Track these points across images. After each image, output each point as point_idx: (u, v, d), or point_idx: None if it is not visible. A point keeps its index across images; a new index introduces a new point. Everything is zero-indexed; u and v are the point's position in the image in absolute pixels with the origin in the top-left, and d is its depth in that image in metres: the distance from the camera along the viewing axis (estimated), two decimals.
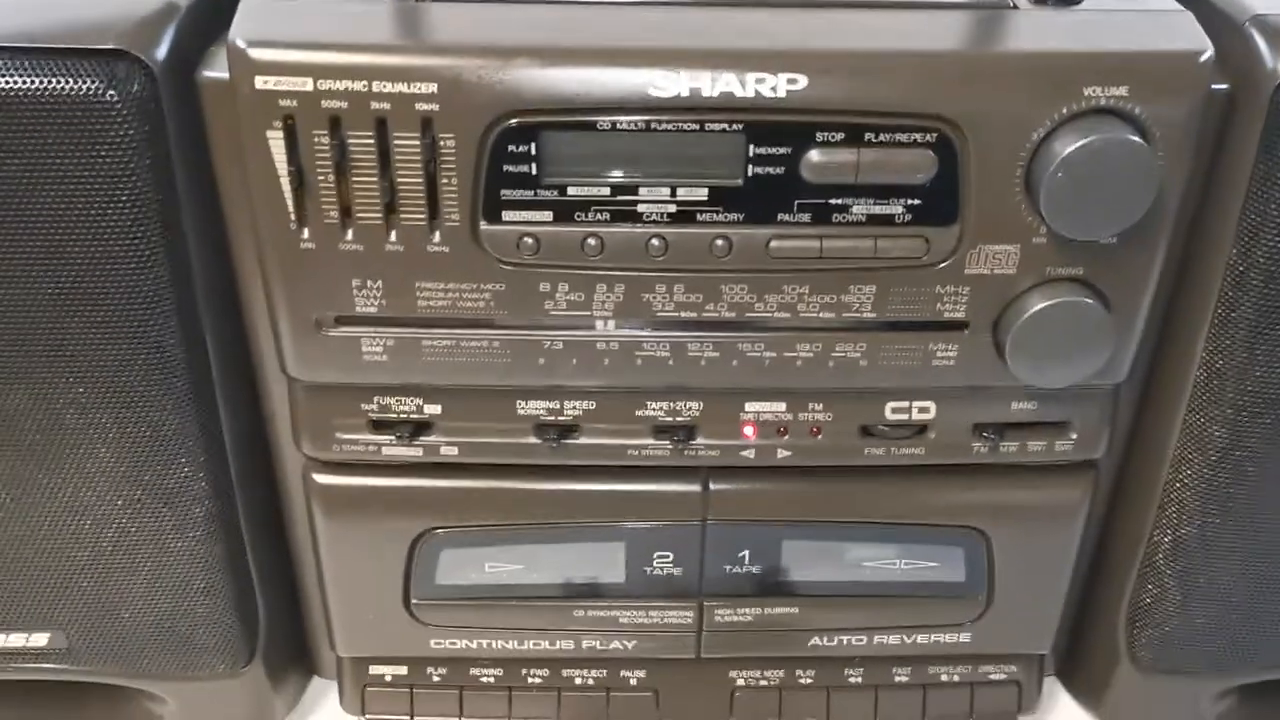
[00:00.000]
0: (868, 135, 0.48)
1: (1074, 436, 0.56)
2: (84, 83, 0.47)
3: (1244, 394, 0.54)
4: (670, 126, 0.48)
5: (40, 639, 0.61)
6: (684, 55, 0.47)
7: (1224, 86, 0.50)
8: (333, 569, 0.60)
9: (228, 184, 0.51)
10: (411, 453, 0.56)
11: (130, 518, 0.57)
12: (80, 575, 0.58)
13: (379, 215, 0.49)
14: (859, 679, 0.65)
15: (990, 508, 0.59)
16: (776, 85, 0.46)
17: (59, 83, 0.47)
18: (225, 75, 0.48)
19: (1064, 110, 0.47)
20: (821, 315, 0.52)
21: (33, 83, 0.47)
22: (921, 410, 0.55)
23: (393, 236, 0.49)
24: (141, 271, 0.51)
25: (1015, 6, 0.50)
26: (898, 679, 0.65)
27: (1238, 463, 0.56)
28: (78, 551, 0.58)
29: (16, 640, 0.61)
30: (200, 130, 0.50)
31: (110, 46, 0.47)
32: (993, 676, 0.65)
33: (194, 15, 0.50)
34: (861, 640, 0.63)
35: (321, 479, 0.58)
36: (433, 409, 0.55)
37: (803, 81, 0.46)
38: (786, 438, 0.56)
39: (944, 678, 0.65)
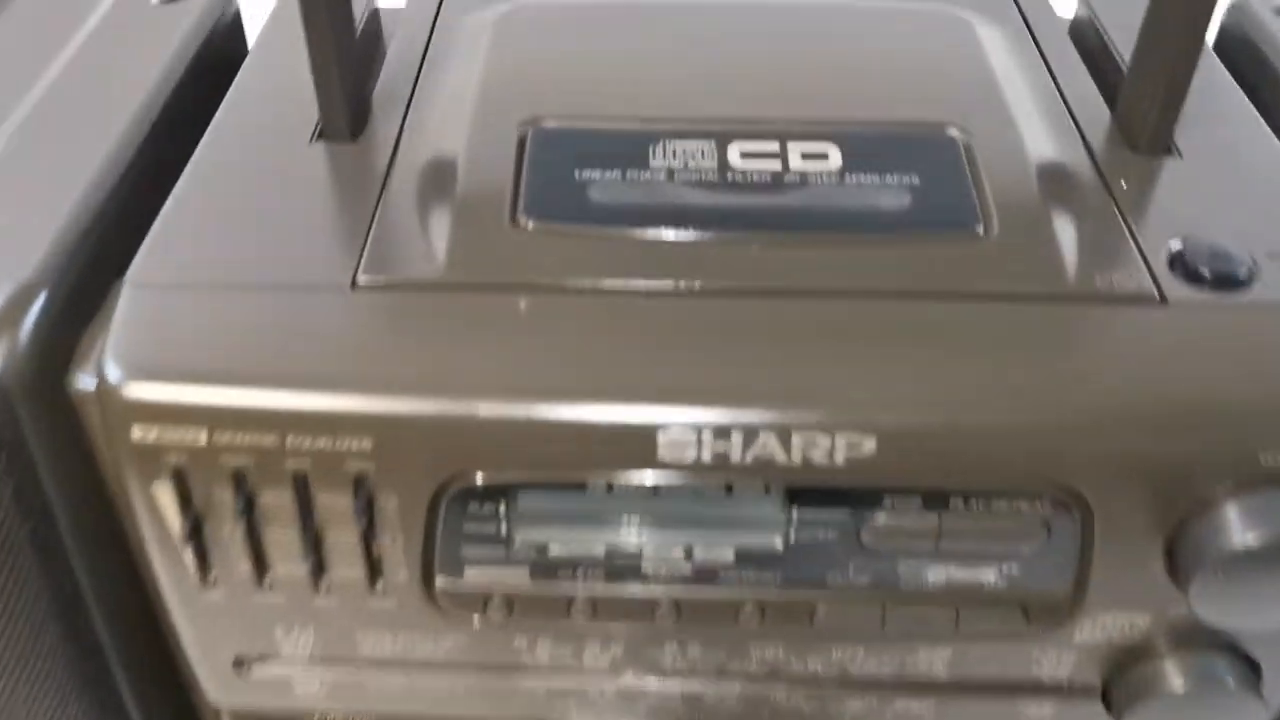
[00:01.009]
0: (954, 502, 0.35)
1: None
2: None
3: None
4: (686, 491, 0.35)
5: None
6: (704, 400, 0.34)
7: None
8: None
9: (123, 507, 0.39)
10: None
11: None
12: None
13: (302, 569, 0.37)
14: None
15: None
16: (834, 451, 0.34)
17: None
18: (89, 391, 0.35)
19: (1229, 482, 0.34)
20: (881, 673, 0.40)
21: None
22: None
23: (322, 591, 0.38)
24: (20, 603, 0.39)
25: (1162, 297, 0.36)
26: None
27: None
28: None
29: None
30: (78, 439, 0.38)
31: None
32: None
33: (59, 297, 0.37)
34: None
35: None
36: None
37: (869, 446, 0.34)
38: None
39: None
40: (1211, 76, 0.47)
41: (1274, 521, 0.34)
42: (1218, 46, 0.53)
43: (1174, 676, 0.38)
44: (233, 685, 0.42)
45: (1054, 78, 0.47)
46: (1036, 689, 0.40)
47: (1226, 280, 0.37)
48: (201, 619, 0.39)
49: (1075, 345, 0.36)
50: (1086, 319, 0.36)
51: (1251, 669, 0.39)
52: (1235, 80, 0.49)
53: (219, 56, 0.50)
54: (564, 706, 0.42)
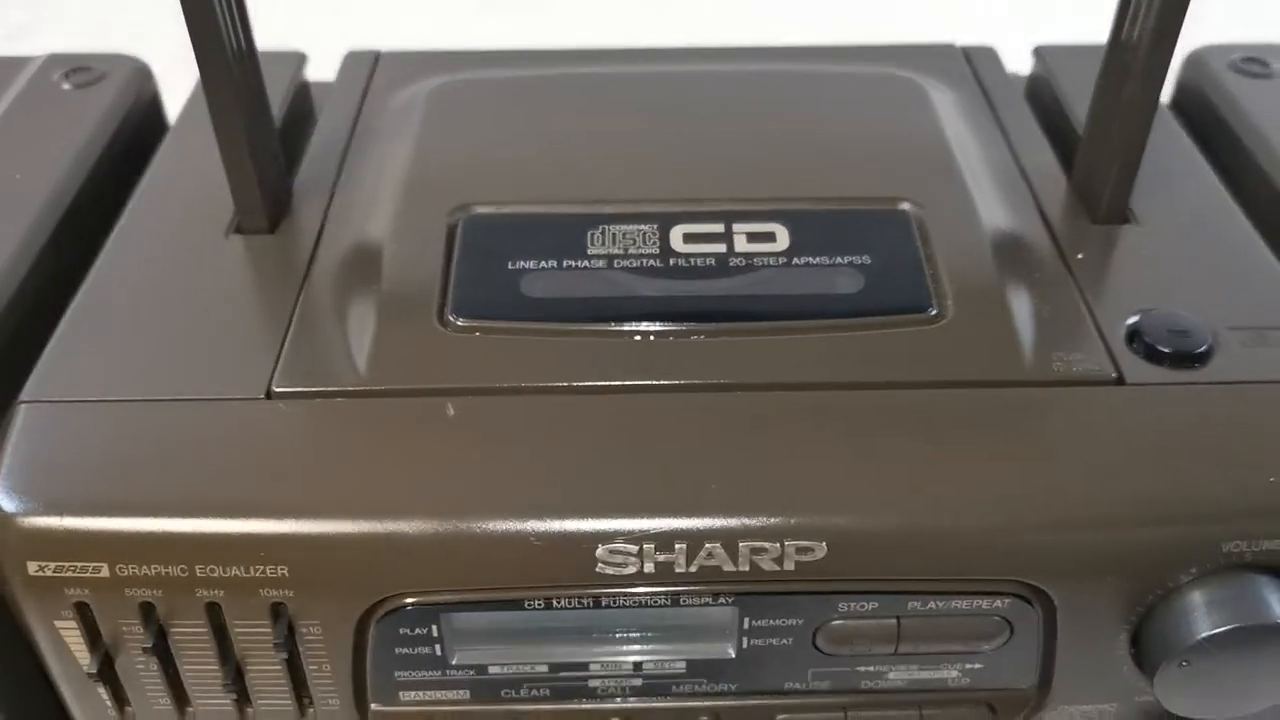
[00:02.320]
0: (912, 604, 0.33)
1: None
2: None
3: None
4: (630, 602, 0.33)
5: None
6: (644, 512, 0.32)
7: None
8: None
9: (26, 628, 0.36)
10: None
11: None
12: None
13: (227, 702, 0.35)
14: None
15: None
16: (783, 558, 0.32)
17: None
18: None
19: (1192, 570, 0.32)
20: None
21: None
22: None
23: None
24: None
25: (1120, 378, 0.35)
26: None
27: None
28: None
29: None
30: None
31: None
32: None
33: None
34: None
35: None
36: None
37: (821, 551, 0.32)
38: None
39: None
40: (1169, 138, 0.46)
41: (1238, 610, 0.32)
42: (1175, 103, 0.52)
43: None
44: None
45: (1009, 144, 0.46)
46: None
47: (1185, 358, 0.36)
48: None
49: (1032, 434, 0.34)
50: (1043, 405, 0.35)
51: None
52: (1192, 136, 0.47)
53: (134, 143, 0.48)
54: None
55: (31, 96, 0.49)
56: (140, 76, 0.51)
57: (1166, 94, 0.47)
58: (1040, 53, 0.51)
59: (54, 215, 0.42)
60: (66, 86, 0.49)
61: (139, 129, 0.49)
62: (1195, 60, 0.52)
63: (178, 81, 0.50)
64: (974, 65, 0.50)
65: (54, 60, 0.51)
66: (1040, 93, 0.50)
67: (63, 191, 0.44)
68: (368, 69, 0.50)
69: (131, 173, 0.45)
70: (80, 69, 0.50)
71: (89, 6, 0.59)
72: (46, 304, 0.39)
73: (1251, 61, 0.51)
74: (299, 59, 0.49)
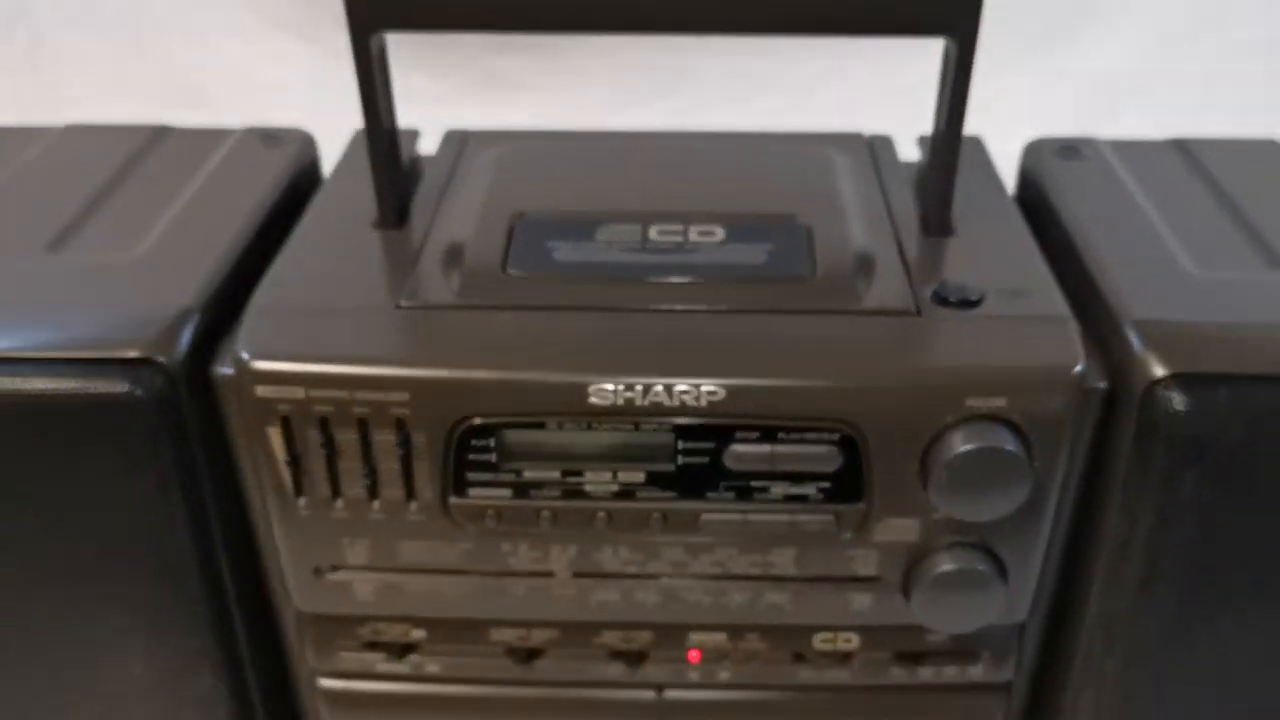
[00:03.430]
0: (780, 435, 0.55)
1: (983, 663, 0.63)
2: (115, 385, 0.55)
3: (1138, 637, 0.61)
4: (609, 427, 0.55)
5: None
6: (619, 368, 0.54)
7: (1103, 385, 0.56)
8: None
9: (243, 455, 0.59)
10: (400, 669, 0.64)
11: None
12: None
13: (363, 491, 0.57)
14: None
15: None
16: (699, 396, 0.54)
17: (94, 385, 0.55)
18: (230, 373, 0.56)
19: (949, 419, 0.54)
20: (750, 570, 0.59)
21: (75, 385, 0.55)
22: (845, 641, 0.63)
23: (375, 507, 0.57)
24: (167, 531, 0.59)
25: (919, 312, 0.57)
26: None
27: (1135, 692, 0.62)
28: None
29: None
30: (217, 413, 0.58)
31: (134, 355, 0.56)
32: None
33: (207, 318, 0.58)
34: None
35: (325, 683, 0.66)
36: (418, 634, 0.63)
37: (721, 393, 0.54)
38: (727, 662, 0.63)
39: None
40: (986, 183, 0.69)
41: (975, 438, 0.54)
42: (1020, 192, 0.75)
43: (938, 563, 0.58)
44: (312, 591, 0.61)
45: (884, 193, 0.69)
46: (856, 581, 0.59)
47: (963, 303, 0.58)
48: (293, 535, 0.59)
49: (859, 336, 0.56)
50: (868, 322, 0.57)
51: (999, 565, 0.58)
52: (1024, 197, 0.70)
53: (303, 183, 0.73)
54: (539, 604, 0.61)
55: (239, 152, 0.73)
56: (308, 143, 0.75)
57: (1012, 186, 0.71)
58: (921, 141, 0.75)
59: (260, 215, 0.66)
60: (261, 148, 0.74)
61: (307, 174, 0.74)
62: (1032, 149, 0.75)
63: (330, 150, 0.75)
64: (873, 146, 0.74)
65: (252, 131, 0.76)
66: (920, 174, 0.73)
67: (260, 205, 0.68)
68: (461, 141, 0.74)
69: (302, 200, 0.69)
70: (270, 136, 0.75)
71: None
72: (256, 261, 0.63)
73: (1066, 149, 0.74)
74: (415, 133, 0.74)
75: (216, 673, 0.64)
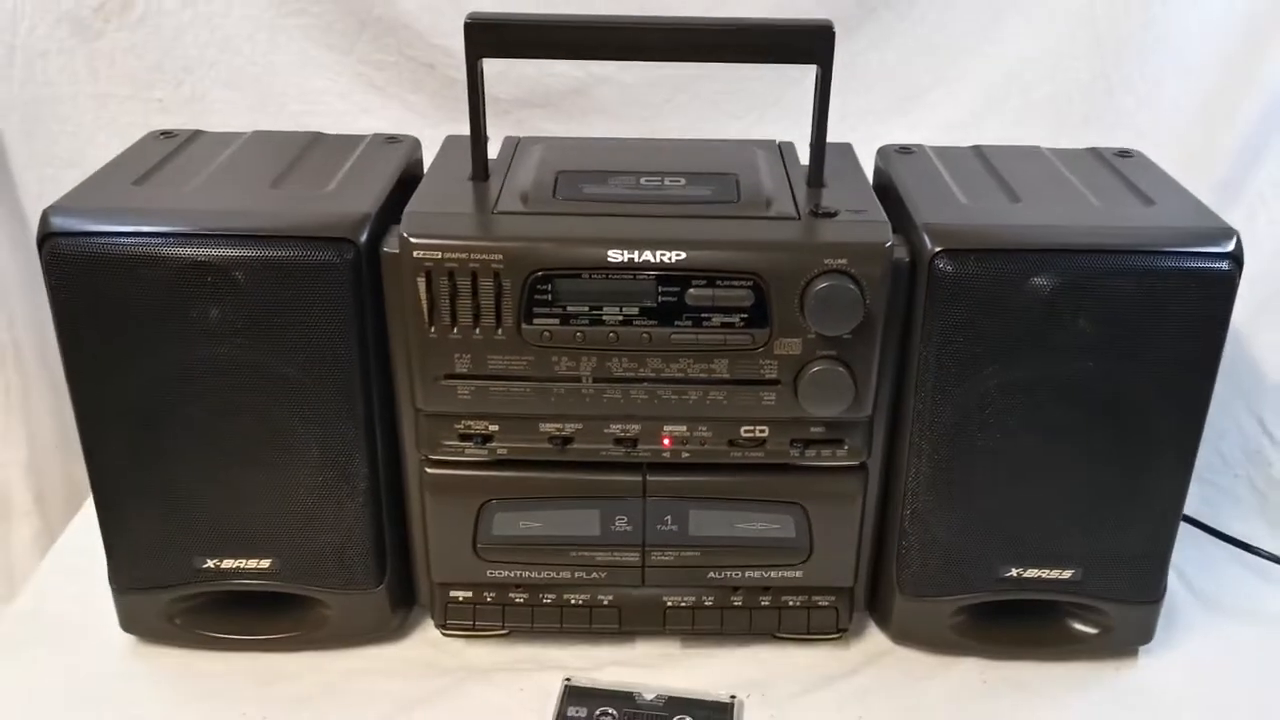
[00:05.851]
0: (719, 282, 0.94)
1: (846, 449, 1.01)
2: (323, 254, 0.93)
3: (938, 426, 0.99)
4: (618, 276, 0.94)
5: (264, 562, 0.91)
6: (624, 243, 0.93)
7: (908, 259, 0.96)
8: (432, 526, 0.93)
9: (393, 303, 0.97)
10: (481, 454, 1.01)
11: (324, 487, 0.89)
12: (291, 522, 0.88)
13: (470, 321, 0.96)
14: (739, 602, 1.03)
15: (806, 492, 0.99)
16: (670, 258, 0.93)
17: (311, 254, 0.92)
18: (395, 250, 0.95)
19: (815, 271, 0.93)
20: (699, 375, 0.97)
21: (296, 254, 0.92)
22: (761, 430, 1.00)
23: (476, 333, 0.96)
24: (343, 352, 0.95)
25: (800, 218, 0.97)
26: (763, 603, 1.05)
27: (941, 466, 1.01)
28: (292, 508, 0.89)
29: (250, 564, 0.93)
30: (379, 280, 0.97)
31: (338, 236, 0.95)
32: (819, 602, 1.05)
33: (377, 220, 0.97)
34: (738, 575, 0.94)
35: (430, 470, 1.02)
36: (494, 427, 1.00)
37: (684, 256, 0.93)
38: (687, 446, 1.01)
39: (790, 602, 1.04)
40: (853, 170, 1.08)
41: (830, 282, 0.92)
42: (874, 176, 1.04)
43: (812, 367, 0.96)
44: (430, 394, 0.98)
45: (786, 171, 1.09)
46: (765, 384, 0.97)
47: (825, 214, 0.97)
48: (422, 353, 0.96)
49: (766, 227, 0.95)
50: (772, 224, 0.95)
51: (850, 369, 0.97)
52: (878, 182, 1.10)
53: (413, 168, 1.12)
54: (572, 403, 0.98)
55: (372, 147, 1.11)
56: (416, 144, 1.11)
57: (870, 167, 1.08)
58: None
59: (394, 175, 1.03)
60: (386, 145, 1.14)
61: (415, 163, 1.11)
62: (882, 152, 1.16)
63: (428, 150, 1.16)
64: (781, 147, 1.15)
65: (378, 135, 1.15)
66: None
67: (394, 170, 1.04)
68: (514, 141, 1.15)
69: (413, 180, 1.08)
70: (392, 138, 1.14)
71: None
72: (401, 195, 1.02)
73: (903, 149, 1.15)
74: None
75: (361, 456, 0.90)
